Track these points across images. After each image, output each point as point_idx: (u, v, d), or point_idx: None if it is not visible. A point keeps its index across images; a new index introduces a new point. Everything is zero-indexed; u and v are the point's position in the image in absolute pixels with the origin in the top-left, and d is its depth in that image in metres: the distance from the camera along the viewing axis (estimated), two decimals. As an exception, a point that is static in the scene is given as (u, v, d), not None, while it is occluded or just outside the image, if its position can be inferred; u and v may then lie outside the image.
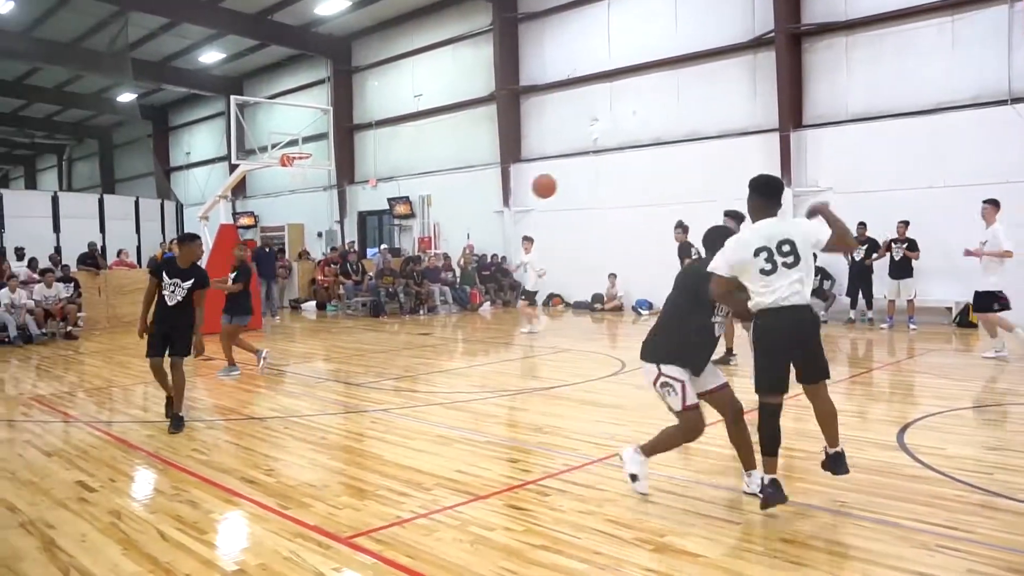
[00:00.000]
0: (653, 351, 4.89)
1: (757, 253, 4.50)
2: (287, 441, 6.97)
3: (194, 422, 7.81)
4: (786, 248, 4.48)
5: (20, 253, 18.24)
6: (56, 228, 21.63)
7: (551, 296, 20.56)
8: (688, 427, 4.89)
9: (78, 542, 4.67)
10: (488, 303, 20.79)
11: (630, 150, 19.12)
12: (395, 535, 4.60)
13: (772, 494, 4.60)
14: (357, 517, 4.93)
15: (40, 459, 6.60)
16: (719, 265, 4.59)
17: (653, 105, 18.70)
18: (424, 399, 8.73)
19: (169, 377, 7.66)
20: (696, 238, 5.07)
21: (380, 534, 4.62)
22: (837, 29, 15.81)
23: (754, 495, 4.95)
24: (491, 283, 21.37)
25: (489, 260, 21.64)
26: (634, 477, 5.04)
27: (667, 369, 4.82)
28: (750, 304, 4.58)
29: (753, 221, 4.70)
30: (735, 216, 8.19)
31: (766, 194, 4.68)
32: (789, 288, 4.45)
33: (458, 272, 21.52)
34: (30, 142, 39.74)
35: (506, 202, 21.63)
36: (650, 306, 17.80)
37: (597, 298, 19.42)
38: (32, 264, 17.56)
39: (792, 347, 4.51)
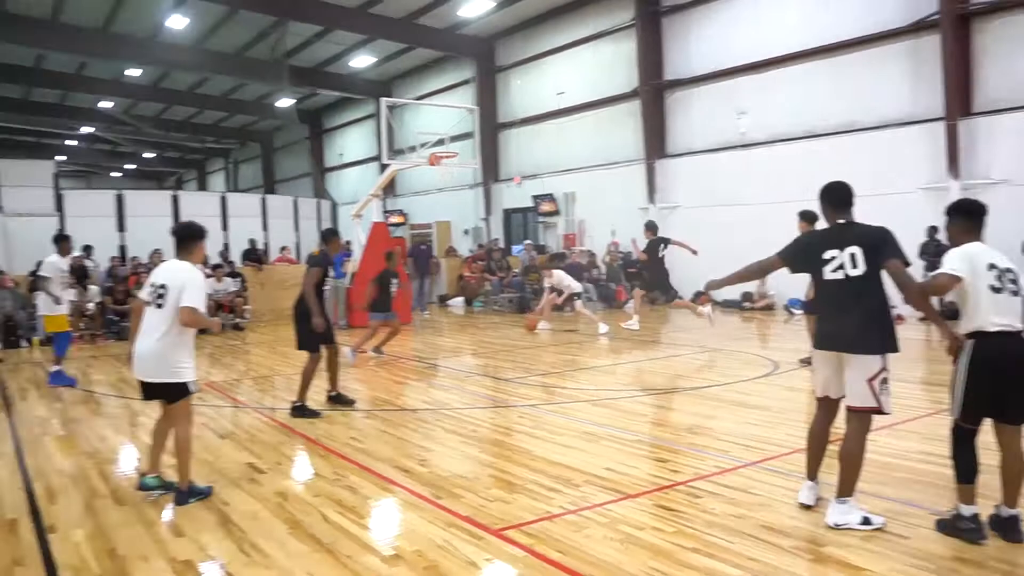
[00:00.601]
0: (882, 340, 4.46)
1: (990, 268, 4.33)
2: (438, 433, 7.16)
3: (351, 412, 8.15)
4: (1011, 276, 4.36)
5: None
6: (224, 226, 23.08)
7: (698, 294, 20.11)
8: (868, 428, 4.62)
9: (250, 519, 4.98)
10: (633, 300, 20.61)
11: (780, 143, 18.45)
12: (545, 530, 4.64)
13: (974, 531, 4.33)
14: (507, 510, 5.00)
15: (215, 441, 7.08)
16: (958, 268, 4.32)
17: (805, 96, 17.96)
18: (571, 395, 8.76)
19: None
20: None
21: (530, 528, 4.67)
22: (1015, 5, 14.64)
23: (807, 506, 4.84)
24: (636, 280, 21.14)
25: (635, 257, 21.42)
26: (867, 520, 4.51)
27: (888, 361, 4.52)
28: (966, 323, 4.36)
29: (955, 244, 4.48)
30: (808, 218, 8.68)
31: (974, 216, 4.48)
32: (1013, 314, 4.29)
33: (603, 269, 21.43)
34: (201, 147, 42.68)
35: (651, 198, 21.34)
36: (803, 304, 17.10)
37: (747, 296, 18.87)
38: (204, 260, 18.88)
39: (1006, 376, 4.26)
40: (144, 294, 5.36)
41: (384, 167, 18.80)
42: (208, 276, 17.12)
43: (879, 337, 4.47)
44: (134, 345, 5.32)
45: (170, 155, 47.18)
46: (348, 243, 21.52)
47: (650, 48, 21.02)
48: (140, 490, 5.45)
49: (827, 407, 4.81)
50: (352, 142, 36.14)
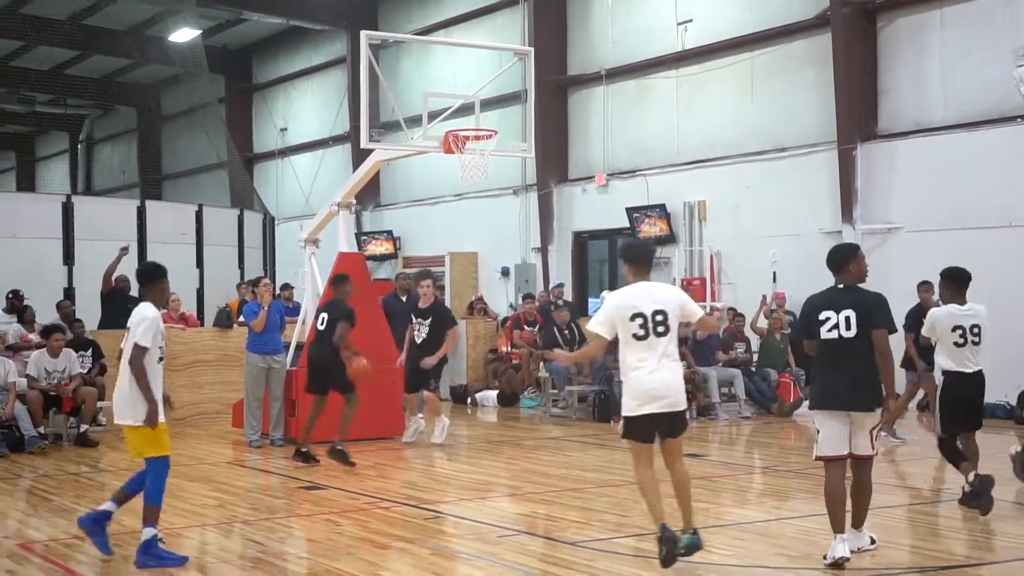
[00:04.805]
0: (879, 395, 8.84)
1: (954, 329, 10.54)
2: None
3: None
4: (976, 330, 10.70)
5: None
6: (68, 255, 23.34)
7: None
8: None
9: None
10: (813, 398, 20.44)
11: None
12: None
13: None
14: None
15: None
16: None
17: None
18: (693, 574, 8.68)
19: None
20: None
21: None
22: None
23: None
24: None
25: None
26: (872, 540, 9.15)
27: None
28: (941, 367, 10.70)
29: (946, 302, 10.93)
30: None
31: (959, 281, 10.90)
32: (971, 360, 10.70)
33: (755, 342, 21.25)
34: (27, 112, 42.70)
35: (848, 214, 21.24)
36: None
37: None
38: (23, 314, 18.91)
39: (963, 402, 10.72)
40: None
41: (361, 155, 18.91)
42: (37, 347, 17.28)
43: (879, 391, 8.86)
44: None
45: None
46: (289, 289, 21.61)
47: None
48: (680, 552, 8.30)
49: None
50: (304, 109, 36.66)
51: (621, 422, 8.88)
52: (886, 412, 8.85)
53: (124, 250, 19.90)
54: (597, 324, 8.75)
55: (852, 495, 8.86)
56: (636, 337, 8.51)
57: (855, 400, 8.71)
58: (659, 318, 8.51)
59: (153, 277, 9.55)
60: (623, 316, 8.54)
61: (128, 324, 9.16)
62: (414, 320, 16.25)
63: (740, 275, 23.22)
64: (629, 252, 9.26)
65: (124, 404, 9.01)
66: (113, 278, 19.82)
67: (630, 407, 8.63)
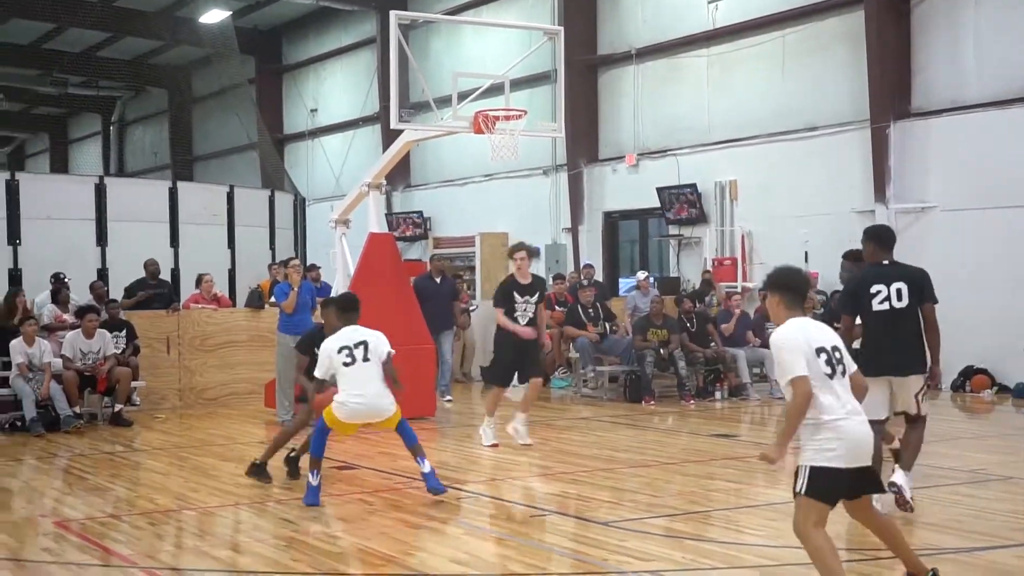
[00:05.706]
0: (924, 361, 9.84)
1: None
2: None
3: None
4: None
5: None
6: (102, 237, 23.41)
7: (969, 373, 19.69)
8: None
9: None
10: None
11: None
12: None
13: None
14: None
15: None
16: None
17: None
18: (725, 556, 8.68)
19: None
20: None
21: None
22: None
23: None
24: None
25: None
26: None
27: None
28: None
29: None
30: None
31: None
32: None
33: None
34: (60, 94, 43.06)
35: (880, 193, 21.14)
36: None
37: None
38: (58, 295, 19.00)
39: None
40: None
41: (392, 135, 18.88)
42: (72, 327, 17.35)
43: (924, 355, 9.90)
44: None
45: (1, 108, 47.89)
46: (315, 269, 21.58)
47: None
48: None
49: None
50: (334, 90, 36.64)
51: (804, 475, 6.95)
52: (931, 379, 9.95)
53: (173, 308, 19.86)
54: (797, 367, 6.89)
55: (904, 445, 9.94)
56: (827, 376, 6.98)
57: (904, 365, 9.72)
58: (838, 355, 7.12)
59: (357, 309, 11.43)
60: (809, 350, 7.02)
61: (365, 340, 10.82)
62: (518, 299, 14.42)
63: (771, 255, 23.09)
64: (784, 280, 7.42)
65: (387, 398, 10.92)
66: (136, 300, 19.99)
67: (829, 457, 6.87)
